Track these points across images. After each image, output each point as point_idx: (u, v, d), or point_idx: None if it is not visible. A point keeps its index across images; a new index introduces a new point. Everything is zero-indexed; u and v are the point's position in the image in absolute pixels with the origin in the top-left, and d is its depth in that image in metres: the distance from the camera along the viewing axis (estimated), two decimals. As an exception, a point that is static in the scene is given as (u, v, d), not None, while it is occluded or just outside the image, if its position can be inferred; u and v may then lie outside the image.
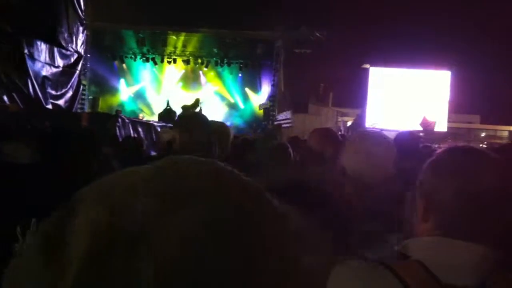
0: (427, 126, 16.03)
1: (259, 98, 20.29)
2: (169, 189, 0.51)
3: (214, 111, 18.84)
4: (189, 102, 14.60)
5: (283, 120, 17.43)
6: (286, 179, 2.91)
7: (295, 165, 3.61)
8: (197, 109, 14.03)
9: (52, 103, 11.57)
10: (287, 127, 16.70)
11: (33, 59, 10.87)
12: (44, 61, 11.40)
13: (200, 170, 0.55)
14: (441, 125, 20.77)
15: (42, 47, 11.30)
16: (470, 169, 1.35)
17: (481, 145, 23.58)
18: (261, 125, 18.80)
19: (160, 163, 0.56)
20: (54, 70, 11.99)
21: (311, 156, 3.54)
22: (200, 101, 14.38)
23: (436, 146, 12.35)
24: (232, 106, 20.66)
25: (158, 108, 18.08)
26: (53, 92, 11.82)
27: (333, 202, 2.38)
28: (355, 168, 2.35)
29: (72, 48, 13.06)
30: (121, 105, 19.74)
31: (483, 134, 29.86)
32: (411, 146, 4.35)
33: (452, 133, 23.75)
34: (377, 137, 2.56)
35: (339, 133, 16.34)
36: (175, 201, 0.50)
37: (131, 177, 0.53)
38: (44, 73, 11.38)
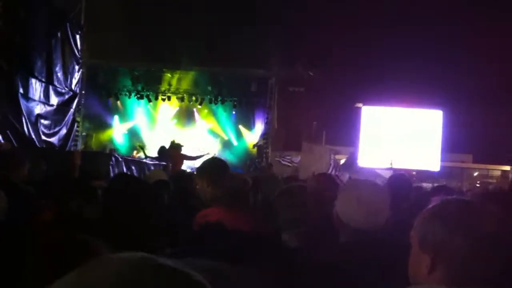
0: None
1: (253, 135, 20.35)
2: None
3: (208, 148, 18.85)
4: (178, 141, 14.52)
5: (287, 158, 17.49)
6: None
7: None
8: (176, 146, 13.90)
9: (46, 141, 11.57)
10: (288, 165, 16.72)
11: (27, 97, 10.92)
12: (38, 99, 11.46)
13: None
14: (434, 165, 20.87)
15: (37, 85, 11.38)
16: (472, 220, 1.41)
17: (474, 184, 23.65)
18: (254, 163, 18.80)
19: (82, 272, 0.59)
20: (48, 108, 12.04)
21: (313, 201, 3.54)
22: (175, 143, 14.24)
23: (428, 186, 12.39)
24: (226, 143, 20.69)
25: (152, 145, 18.07)
26: (47, 131, 11.83)
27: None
28: (348, 215, 2.36)
29: (67, 86, 13.15)
30: (114, 142, 19.75)
31: (475, 174, 29.98)
32: (403, 188, 4.37)
33: (444, 172, 23.81)
34: (370, 185, 2.58)
35: (331, 171, 16.41)
36: None
37: None
38: (38, 111, 11.42)
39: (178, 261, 0.63)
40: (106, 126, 20.15)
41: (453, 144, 23.69)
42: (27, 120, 10.79)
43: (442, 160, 21.51)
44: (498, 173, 28.76)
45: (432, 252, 1.44)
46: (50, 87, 12.10)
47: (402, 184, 4.31)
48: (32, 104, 11.20)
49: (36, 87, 11.38)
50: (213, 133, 20.75)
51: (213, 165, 3.61)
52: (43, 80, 11.66)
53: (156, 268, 0.58)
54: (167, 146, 13.89)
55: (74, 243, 1.69)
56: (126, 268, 0.57)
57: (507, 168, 26.37)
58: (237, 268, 1.45)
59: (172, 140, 14.52)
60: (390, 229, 2.63)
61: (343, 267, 2.14)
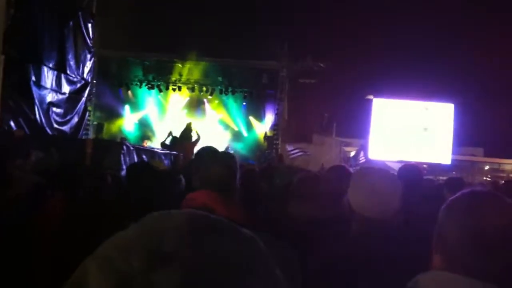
0: None
1: (263, 126, 20.36)
2: (153, 247, 0.56)
3: (218, 138, 18.88)
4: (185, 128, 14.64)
5: (296, 150, 17.49)
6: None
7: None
8: (193, 134, 14.03)
9: (58, 129, 11.66)
10: (299, 156, 16.71)
11: (39, 85, 11.00)
12: (50, 87, 11.53)
13: (179, 228, 0.59)
14: (445, 158, 20.76)
15: (49, 74, 11.45)
16: (478, 209, 1.42)
17: (484, 178, 23.52)
18: (264, 154, 18.82)
19: (144, 221, 0.61)
20: (60, 96, 12.12)
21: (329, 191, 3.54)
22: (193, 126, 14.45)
23: (439, 178, 12.34)
24: (236, 134, 20.71)
25: (162, 135, 18.14)
26: (59, 119, 11.92)
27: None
28: (360, 204, 2.35)
29: (79, 75, 13.22)
30: (125, 131, 19.84)
31: (486, 167, 29.78)
32: (414, 180, 4.34)
33: (455, 165, 23.68)
34: (382, 172, 2.56)
35: (341, 163, 16.39)
36: (158, 259, 0.55)
37: (121, 238, 0.59)
38: (50, 99, 11.50)
39: None
40: (117, 115, 20.24)
41: (464, 137, 23.53)
42: (39, 108, 10.88)
43: (453, 154, 21.38)
44: (509, 167, 28.58)
45: (436, 234, 1.46)
46: (62, 76, 12.18)
47: (413, 175, 4.27)
48: (44, 92, 11.28)
49: (48, 75, 11.45)
50: (223, 124, 20.77)
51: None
52: (55, 68, 11.73)
53: (213, 221, 0.62)
54: (177, 136, 13.95)
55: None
56: (190, 217, 0.61)
57: (519, 162, 26.20)
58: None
59: (188, 123, 14.54)
60: (401, 219, 2.63)
61: (355, 258, 2.13)
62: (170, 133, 15.36)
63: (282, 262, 0.73)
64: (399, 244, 2.15)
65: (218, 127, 20.55)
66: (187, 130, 14.71)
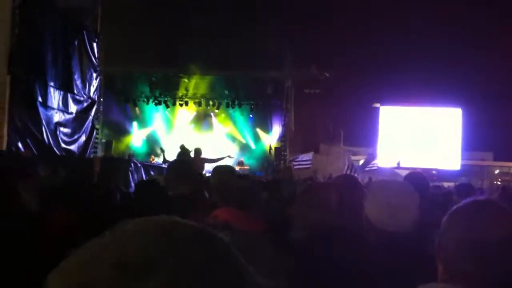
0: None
1: (270, 138, 20.36)
2: (119, 257, 0.55)
3: (226, 152, 18.91)
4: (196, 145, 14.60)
5: (302, 161, 17.42)
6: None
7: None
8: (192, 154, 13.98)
9: (65, 149, 11.72)
10: (304, 168, 16.65)
11: (45, 106, 11.08)
12: (57, 108, 11.62)
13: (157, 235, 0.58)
14: (454, 163, 20.65)
15: (55, 94, 11.54)
16: (478, 220, 1.42)
17: (495, 182, 23.33)
18: (272, 165, 18.81)
19: (115, 229, 0.60)
20: (67, 116, 12.20)
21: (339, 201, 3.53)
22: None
23: (448, 185, 12.26)
24: (244, 147, 20.72)
25: (170, 150, 18.18)
26: (66, 138, 11.99)
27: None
28: (377, 218, 2.36)
29: (86, 94, 13.31)
30: (133, 148, 19.91)
31: (496, 171, 29.56)
32: (421, 187, 4.31)
33: (465, 170, 23.54)
34: (399, 185, 2.57)
35: (348, 171, 16.34)
36: (137, 271, 0.54)
37: (87, 249, 0.58)
38: (57, 119, 11.58)
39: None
40: (125, 132, 20.33)
41: (473, 142, 23.42)
42: (46, 128, 10.94)
43: (462, 159, 21.28)
44: (520, 170, 28.38)
45: (437, 253, 1.47)
46: (69, 95, 12.27)
47: (418, 182, 4.25)
48: (51, 112, 11.36)
49: (55, 96, 11.54)
50: (231, 137, 20.80)
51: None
52: (62, 88, 11.82)
53: (184, 227, 0.61)
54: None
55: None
56: (156, 225, 0.60)
57: (529, 165, 26.01)
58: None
59: (181, 145, 14.58)
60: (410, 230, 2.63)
61: (373, 268, 2.14)
62: (162, 150, 15.38)
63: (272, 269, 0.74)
64: (413, 255, 2.16)
65: (226, 140, 20.58)
66: (183, 151, 14.63)
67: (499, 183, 22.88)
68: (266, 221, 2.72)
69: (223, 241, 0.62)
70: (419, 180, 4.55)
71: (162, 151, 15.34)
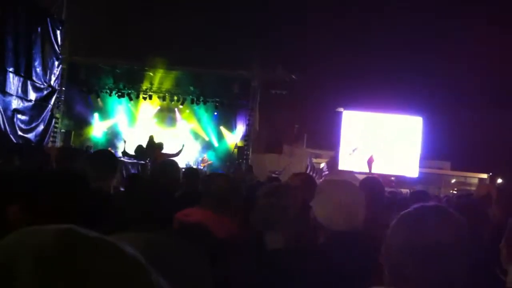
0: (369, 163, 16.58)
1: (234, 137, 20.34)
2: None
3: (189, 148, 18.81)
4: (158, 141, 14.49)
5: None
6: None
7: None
8: (158, 146, 13.93)
9: (22, 137, 11.43)
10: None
11: (4, 92, 10.80)
12: (16, 94, 11.32)
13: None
14: (413, 170, 21.02)
15: (15, 80, 11.25)
16: (420, 225, 1.44)
17: (451, 191, 23.90)
18: (234, 164, 18.80)
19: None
20: (26, 103, 11.92)
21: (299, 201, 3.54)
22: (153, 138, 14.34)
23: (405, 192, 12.50)
24: (207, 144, 20.63)
25: (132, 144, 17.97)
26: (24, 126, 11.70)
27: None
28: (326, 217, 2.36)
29: (46, 82, 13.01)
30: (94, 139, 19.58)
31: (453, 180, 30.32)
32: (376, 192, 4.38)
33: (423, 178, 24.02)
34: (346, 185, 2.58)
35: (311, 173, 16.47)
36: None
37: None
38: (15, 106, 11.29)
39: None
40: (86, 123, 19.96)
41: (432, 151, 23.93)
42: (3, 115, 10.67)
43: (420, 167, 21.67)
44: (476, 180, 29.15)
45: (383, 257, 1.48)
46: (29, 82, 11.98)
47: (374, 187, 4.32)
48: (9, 98, 11.07)
49: (14, 82, 11.25)
50: (194, 133, 20.68)
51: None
52: (21, 75, 11.52)
53: (81, 239, 0.56)
54: (145, 146, 13.81)
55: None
56: (48, 238, 0.55)
57: (484, 176, 26.72)
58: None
59: (150, 135, 14.47)
60: (362, 230, 2.65)
61: (324, 266, 2.14)
62: (124, 141, 15.23)
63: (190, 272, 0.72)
64: (363, 255, 2.17)
65: (189, 136, 20.44)
66: (151, 142, 14.54)
67: (455, 192, 23.46)
68: (241, 226, 2.68)
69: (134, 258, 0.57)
70: (374, 185, 4.61)
71: (124, 142, 15.15)
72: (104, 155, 3.90)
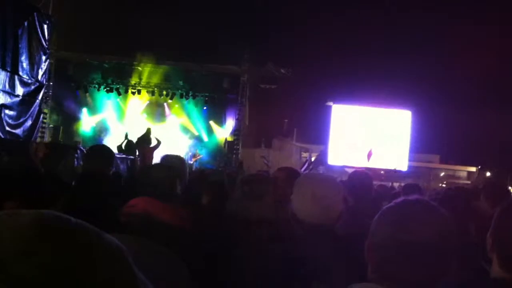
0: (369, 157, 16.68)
1: (224, 131, 20.31)
2: None
3: (178, 142, 18.75)
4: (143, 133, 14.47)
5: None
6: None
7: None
8: (153, 140, 13.89)
9: (10, 132, 11.34)
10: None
11: (-10, 87, 10.71)
12: (2, 89, 11.22)
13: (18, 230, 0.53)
14: (402, 164, 21.14)
15: (1, 75, 11.14)
16: (405, 220, 1.41)
17: (440, 184, 24.05)
18: (224, 158, 18.79)
19: None
20: (13, 99, 11.81)
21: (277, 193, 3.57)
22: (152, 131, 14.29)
23: (395, 185, 12.55)
24: (196, 139, 20.58)
25: (121, 138, 17.91)
26: (11, 121, 11.60)
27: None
28: (303, 210, 2.36)
29: (34, 76, 12.89)
30: (83, 134, 19.48)
31: (442, 174, 30.52)
32: (364, 185, 4.39)
33: (412, 171, 24.16)
34: (323, 178, 2.59)
35: (305, 169, 16.48)
36: None
37: None
38: (2, 101, 11.20)
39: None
40: (74, 118, 19.85)
41: (421, 144, 24.07)
42: (-10, 110, 10.58)
43: (410, 160, 21.80)
44: (465, 174, 29.37)
45: (367, 242, 1.47)
46: (16, 77, 11.86)
47: (362, 180, 4.33)
48: (-5, 94, 10.98)
49: (1, 77, 11.14)
50: (184, 128, 20.62)
51: None
52: (8, 69, 11.41)
53: (61, 223, 0.55)
54: (134, 140, 13.77)
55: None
56: (26, 223, 0.54)
57: (473, 169, 26.93)
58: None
59: (148, 128, 14.36)
60: (347, 224, 2.66)
61: (299, 259, 2.14)
62: (126, 136, 15.10)
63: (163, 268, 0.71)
64: (341, 249, 2.17)
65: (178, 131, 20.38)
66: (146, 135, 14.52)
67: (444, 185, 23.61)
68: (192, 216, 2.66)
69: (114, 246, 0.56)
70: (363, 178, 4.63)
71: (126, 137, 15.04)
72: (101, 150, 3.95)
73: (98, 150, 4.08)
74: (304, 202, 2.36)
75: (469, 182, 25.41)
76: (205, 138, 20.61)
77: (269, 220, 2.95)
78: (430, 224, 1.40)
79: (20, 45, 11.86)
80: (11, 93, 11.66)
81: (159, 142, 14.12)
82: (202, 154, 19.52)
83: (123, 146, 14.36)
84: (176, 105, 20.46)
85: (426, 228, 1.39)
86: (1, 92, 11.20)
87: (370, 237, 1.47)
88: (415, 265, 1.36)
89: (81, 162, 9.61)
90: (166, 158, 4.07)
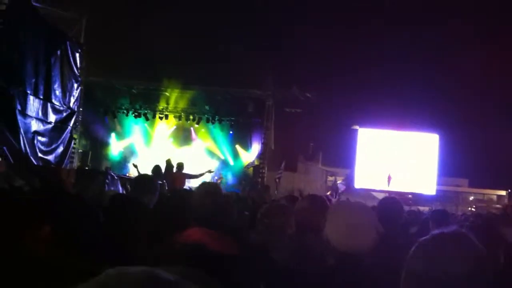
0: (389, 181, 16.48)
1: (249, 155, 20.35)
2: None
3: (205, 167, 18.87)
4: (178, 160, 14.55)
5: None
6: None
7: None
8: (174, 169, 13.93)
9: (42, 159, 11.58)
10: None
11: (24, 114, 10.97)
12: (35, 116, 11.51)
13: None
14: (430, 188, 20.87)
15: (35, 103, 11.43)
16: (443, 256, 1.43)
17: (469, 208, 23.62)
18: (250, 182, 18.80)
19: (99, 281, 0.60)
20: (46, 125, 12.08)
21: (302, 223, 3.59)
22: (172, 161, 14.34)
23: (425, 210, 12.39)
24: (222, 163, 20.68)
25: (148, 163, 18.08)
26: (44, 148, 11.86)
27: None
28: (336, 238, 2.38)
29: (65, 104, 13.20)
30: (111, 159, 19.76)
31: (471, 198, 29.99)
32: (394, 212, 4.36)
33: (440, 196, 23.81)
34: (358, 208, 2.61)
35: (329, 193, 16.41)
36: None
37: None
38: (35, 128, 11.45)
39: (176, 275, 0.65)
40: (103, 143, 20.16)
41: (449, 168, 23.76)
42: (24, 137, 10.82)
43: (438, 184, 21.51)
44: (494, 197, 28.81)
45: (402, 283, 1.49)
46: (48, 105, 12.16)
47: (392, 207, 4.31)
48: (29, 121, 11.24)
49: (34, 104, 11.43)
50: (209, 152, 20.74)
51: None
52: (41, 97, 11.71)
53: (158, 283, 0.60)
54: (161, 165, 13.86)
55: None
56: (136, 282, 0.59)
57: (503, 193, 26.40)
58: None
59: (167, 159, 14.52)
60: (378, 251, 2.66)
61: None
62: (134, 165, 15.20)
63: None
64: (375, 275, 2.18)
65: (205, 155, 20.51)
66: (168, 165, 14.55)
67: (473, 209, 23.18)
68: (238, 244, 2.72)
69: None
70: (393, 205, 4.60)
71: (135, 166, 15.23)
72: (144, 179, 4.33)
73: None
74: (337, 229, 2.39)
75: (499, 206, 24.90)
76: (231, 162, 20.68)
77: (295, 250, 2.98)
78: (466, 259, 1.40)
79: (52, 73, 12.18)
80: (43, 120, 11.94)
81: (203, 173, 14.19)
82: (226, 177, 19.59)
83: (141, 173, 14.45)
84: (203, 130, 20.63)
85: (461, 265, 1.39)
86: (34, 119, 11.47)
87: (405, 269, 1.49)
88: None
89: (111, 187, 9.75)
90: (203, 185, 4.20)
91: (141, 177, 5.56)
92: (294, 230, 3.49)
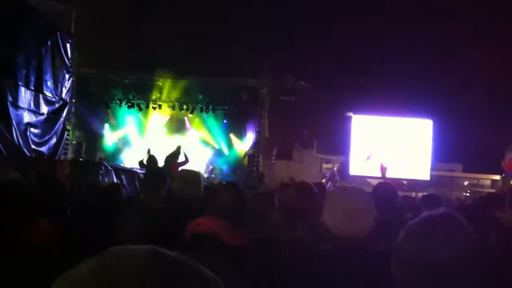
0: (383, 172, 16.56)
1: (244, 144, 20.34)
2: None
3: (199, 156, 18.83)
4: (172, 150, 14.49)
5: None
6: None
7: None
8: (180, 156, 13.94)
9: (35, 150, 11.52)
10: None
11: (16, 106, 10.89)
12: (27, 108, 11.43)
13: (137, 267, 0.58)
14: (424, 174, 20.94)
15: (27, 94, 11.34)
16: (433, 238, 1.43)
17: (464, 193, 23.74)
18: (245, 172, 18.81)
19: (101, 259, 0.60)
20: (38, 117, 12.01)
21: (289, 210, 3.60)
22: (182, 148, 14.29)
23: (418, 195, 12.43)
24: (217, 152, 20.67)
25: (142, 153, 18.03)
26: (37, 139, 11.79)
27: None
28: (335, 224, 2.37)
29: (57, 95, 13.11)
30: (105, 150, 19.72)
31: (465, 183, 30.16)
32: (389, 198, 4.36)
33: (435, 181, 23.91)
34: (354, 192, 2.60)
35: (324, 180, 16.42)
36: None
37: (74, 279, 0.58)
38: (27, 120, 11.38)
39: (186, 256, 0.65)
40: (96, 134, 20.10)
41: (443, 153, 23.83)
42: (16, 129, 10.75)
43: (432, 169, 21.59)
44: (488, 182, 28.97)
45: (394, 266, 1.48)
46: (40, 96, 12.07)
47: (387, 193, 4.30)
48: (21, 112, 11.17)
49: (26, 96, 11.35)
50: (204, 142, 20.72)
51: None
52: (33, 88, 11.63)
53: (169, 262, 0.60)
54: (156, 156, 13.80)
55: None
56: (141, 259, 0.59)
57: (497, 177, 26.51)
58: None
59: (178, 146, 14.44)
60: (374, 238, 2.66)
61: (326, 274, 2.16)
62: (148, 151, 15.15)
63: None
64: (371, 260, 2.18)
65: (199, 145, 20.49)
66: (177, 151, 14.51)
67: (468, 194, 23.30)
68: (249, 235, 2.72)
69: (211, 279, 0.62)
70: (388, 191, 4.60)
71: (148, 151, 15.11)
72: (154, 173, 4.33)
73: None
74: (334, 215, 2.38)
75: (493, 190, 25.02)
76: (225, 151, 20.67)
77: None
78: (455, 241, 1.41)
79: (44, 64, 12.08)
80: (36, 111, 11.86)
81: (187, 160, 14.15)
82: (220, 167, 19.61)
83: (144, 161, 14.42)
84: (197, 119, 20.60)
85: (451, 246, 1.39)
86: (26, 111, 11.39)
87: (396, 253, 1.48)
88: (442, 282, 1.38)
89: (106, 178, 9.74)
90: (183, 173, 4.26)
91: (153, 171, 5.54)
92: (280, 218, 3.50)
